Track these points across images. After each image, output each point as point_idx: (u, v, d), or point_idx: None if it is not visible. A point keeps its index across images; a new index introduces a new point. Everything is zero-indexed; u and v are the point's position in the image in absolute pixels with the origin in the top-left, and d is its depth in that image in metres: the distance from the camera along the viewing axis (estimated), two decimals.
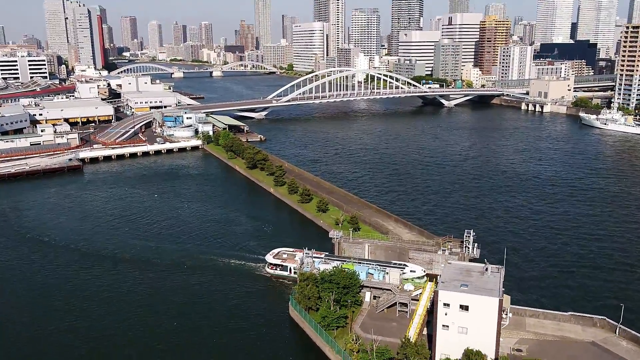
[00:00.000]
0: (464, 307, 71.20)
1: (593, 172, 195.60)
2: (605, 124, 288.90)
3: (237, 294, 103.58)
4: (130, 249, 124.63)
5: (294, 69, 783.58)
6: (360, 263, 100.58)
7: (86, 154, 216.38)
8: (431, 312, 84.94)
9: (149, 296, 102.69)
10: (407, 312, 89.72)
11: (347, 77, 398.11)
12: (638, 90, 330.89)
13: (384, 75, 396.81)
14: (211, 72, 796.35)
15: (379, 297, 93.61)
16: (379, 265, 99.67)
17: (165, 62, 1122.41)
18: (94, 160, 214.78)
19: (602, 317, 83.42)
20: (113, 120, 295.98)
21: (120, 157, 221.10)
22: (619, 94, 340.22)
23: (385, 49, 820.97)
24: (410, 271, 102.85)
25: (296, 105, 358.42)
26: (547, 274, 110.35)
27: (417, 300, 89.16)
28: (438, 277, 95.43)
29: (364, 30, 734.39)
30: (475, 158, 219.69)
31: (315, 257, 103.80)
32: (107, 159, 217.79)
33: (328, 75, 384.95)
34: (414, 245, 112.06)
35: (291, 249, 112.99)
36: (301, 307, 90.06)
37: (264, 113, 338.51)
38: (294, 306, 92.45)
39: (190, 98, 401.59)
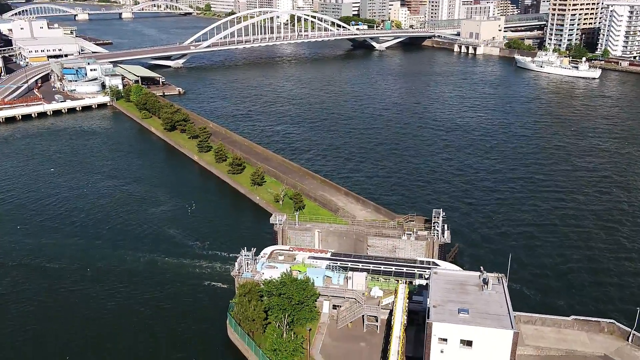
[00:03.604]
0: (466, 343, 53.68)
1: (537, 121, 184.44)
2: (541, 66, 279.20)
3: (157, 303, 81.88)
4: (16, 248, 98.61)
5: (212, 9, 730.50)
6: (360, 266, 78.71)
7: None
8: (410, 324, 68.06)
9: (40, 318, 78.84)
10: (376, 325, 72.01)
11: (271, 18, 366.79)
12: (569, 30, 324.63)
13: (311, 16, 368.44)
14: (120, 14, 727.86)
15: (340, 308, 75.15)
16: (390, 266, 78.91)
17: (68, 2, 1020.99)
18: None
19: (611, 320, 69.10)
20: (2, 74, 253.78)
21: (9, 119, 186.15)
22: (551, 35, 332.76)
23: None
24: None
25: (217, 51, 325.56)
26: (521, 254, 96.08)
27: (389, 309, 71.57)
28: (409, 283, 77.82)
29: None
30: (415, 109, 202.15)
31: (316, 258, 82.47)
32: None
33: (250, 17, 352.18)
34: (372, 229, 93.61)
35: (287, 248, 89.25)
36: (242, 329, 70.03)
37: (181, 61, 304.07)
38: (234, 327, 72.15)
39: (96, 44, 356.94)
